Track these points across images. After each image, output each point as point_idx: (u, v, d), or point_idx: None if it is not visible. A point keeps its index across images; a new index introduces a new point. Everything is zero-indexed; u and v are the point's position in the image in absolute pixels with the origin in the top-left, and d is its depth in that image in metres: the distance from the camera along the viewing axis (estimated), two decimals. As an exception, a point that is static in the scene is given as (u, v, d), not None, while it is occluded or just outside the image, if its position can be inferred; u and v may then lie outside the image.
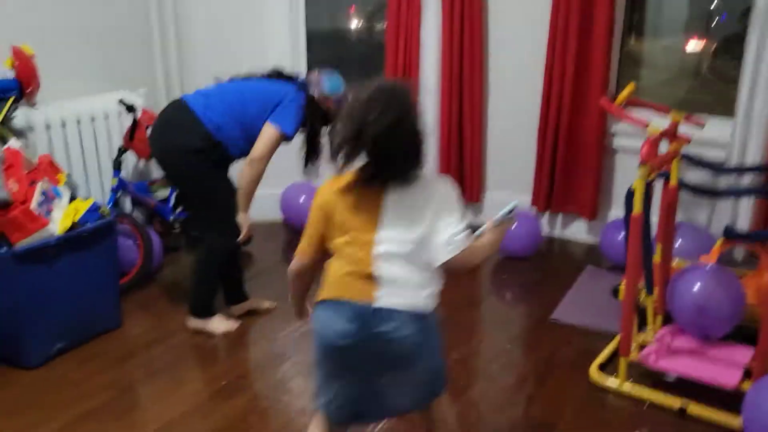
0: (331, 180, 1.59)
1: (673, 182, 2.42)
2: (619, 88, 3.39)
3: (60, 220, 2.50)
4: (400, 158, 1.50)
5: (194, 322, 2.74)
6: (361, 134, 1.46)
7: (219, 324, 2.73)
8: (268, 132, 2.50)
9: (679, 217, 2.88)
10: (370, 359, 1.52)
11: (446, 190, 1.58)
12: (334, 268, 1.55)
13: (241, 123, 2.52)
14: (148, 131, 3.13)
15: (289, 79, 2.64)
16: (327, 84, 2.57)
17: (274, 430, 2.14)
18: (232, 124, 2.51)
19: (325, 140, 2.62)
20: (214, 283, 2.75)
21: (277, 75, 2.65)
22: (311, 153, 2.66)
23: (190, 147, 2.49)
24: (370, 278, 1.49)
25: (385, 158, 1.49)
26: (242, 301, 2.87)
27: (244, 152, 2.54)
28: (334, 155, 1.52)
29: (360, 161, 1.52)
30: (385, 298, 1.48)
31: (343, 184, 1.55)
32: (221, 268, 2.73)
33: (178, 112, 2.56)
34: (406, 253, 1.50)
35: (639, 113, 2.73)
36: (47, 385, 2.39)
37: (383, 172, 1.51)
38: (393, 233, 1.51)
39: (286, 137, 2.54)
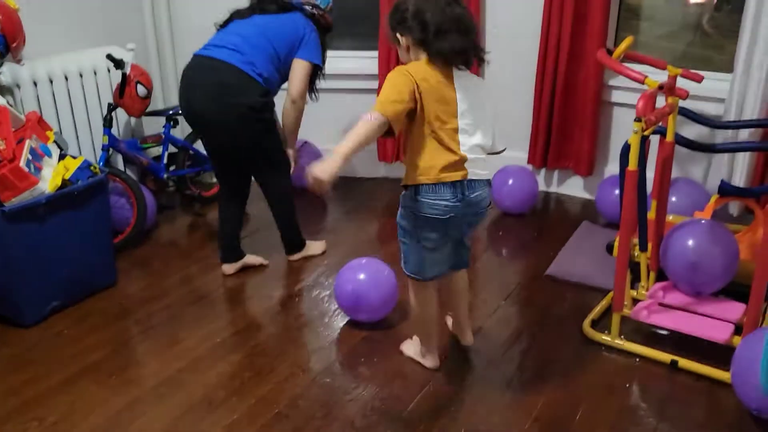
0: (408, 66, 1.86)
1: (669, 137, 2.39)
2: (618, 41, 3.33)
3: (50, 178, 2.48)
4: (469, 47, 1.87)
5: (295, 256, 2.97)
6: (443, 23, 1.81)
7: (316, 247, 3.02)
8: (302, 68, 2.66)
9: (675, 172, 2.86)
10: (465, 219, 1.95)
11: (490, 90, 2.06)
12: (431, 155, 1.86)
13: (275, 66, 2.63)
14: (140, 90, 3.09)
15: (290, 7, 2.71)
16: (321, 1, 2.75)
17: (270, 386, 2.16)
18: (271, 69, 2.62)
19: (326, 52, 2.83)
20: (297, 218, 2.92)
21: (277, 5, 2.70)
22: (318, 75, 2.81)
23: (256, 104, 2.57)
24: (461, 161, 1.87)
25: (457, 45, 1.83)
26: (237, 259, 2.88)
27: (278, 88, 2.74)
28: (420, 42, 1.85)
29: (423, 54, 1.87)
30: (472, 171, 1.89)
31: (422, 71, 1.84)
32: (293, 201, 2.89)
33: (224, 75, 2.52)
34: (481, 139, 1.92)
35: (636, 68, 2.69)
36: (44, 342, 2.41)
37: (455, 59, 1.85)
38: (470, 121, 1.89)
39: (318, 68, 2.73)
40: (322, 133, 3.67)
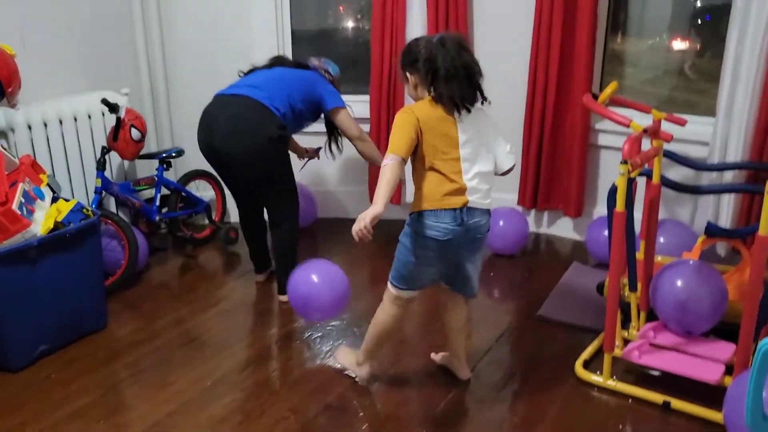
0: (412, 106, 2.03)
1: (655, 179, 2.44)
2: (603, 86, 3.42)
3: (42, 221, 2.49)
4: (473, 88, 2.02)
5: (286, 298, 2.90)
6: (451, 69, 1.97)
7: None
8: (342, 114, 2.88)
9: (662, 213, 2.91)
10: (463, 243, 2.08)
11: (490, 116, 2.12)
12: (433, 184, 2.02)
13: (291, 108, 2.79)
14: (134, 134, 3.13)
15: (305, 66, 2.97)
16: (331, 67, 3.02)
17: (260, 430, 2.14)
18: (287, 108, 2.77)
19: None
20: (297, 260, 2.90)
21: (296, 63, 2.98)
22: (332, 134, 3.10)
23: (273, 136, 2.71)
24: (461, 190, 2.00)
25: (463, 89, 1.99)
26: (267, 269, 3.19)
27: (294, 131, 2.96)
28: (426, 84, 2.02)
29: (428, 94, 2.03)
30: (472, 200, 2.02)
31: (425, 110, 2.02)
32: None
33: (245, 107, 2.71)
34: (483, 166, 2.05)
35: (622, 112, 2.75)
36: (31, 387, 2.38)
37: (460, 100, 1.99)
38: (470, 150, 2.02)
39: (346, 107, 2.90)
40: (318, 175, 3.71)
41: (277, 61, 2.96)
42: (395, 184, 1.96)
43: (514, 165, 2.14)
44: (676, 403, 2.17)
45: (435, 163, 2.00)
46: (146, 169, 3.56)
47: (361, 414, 2.21)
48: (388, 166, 1.94)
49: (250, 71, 2.92)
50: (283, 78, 2.83)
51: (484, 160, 2.06)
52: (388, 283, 2.22)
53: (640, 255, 2.50)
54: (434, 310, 2.92)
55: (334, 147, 3.15)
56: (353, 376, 2.38)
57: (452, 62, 1.97)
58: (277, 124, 2.71)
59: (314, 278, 2.61)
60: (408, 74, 2.07)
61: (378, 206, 1.90)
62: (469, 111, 2.03)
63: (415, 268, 2.13)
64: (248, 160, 2.73)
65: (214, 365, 2.50)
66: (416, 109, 2.01)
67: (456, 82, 1.98)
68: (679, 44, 3.62)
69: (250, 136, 2.68)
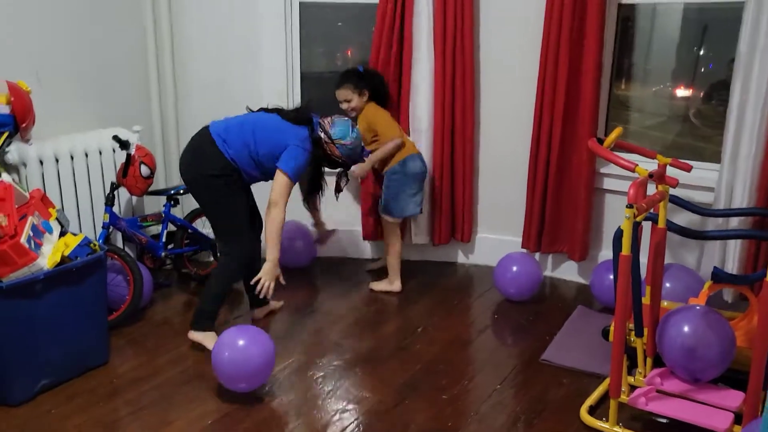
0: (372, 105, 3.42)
1: (660, 224, 2.44)
2: (608, 130, 3.45)
3: (49, 254, 2.50)
4: None
5: (193, 335, 2.87)
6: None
7: (214, 340, 2.75)
8: (280, 178, 2.79)
9: (669, 258, 2.91)
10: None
11: None
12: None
13: (253, 159, 2.81)
14: (143, 170, 3.18)
15: (307, 120, 2.88)
16: (335, 129, 2.88)
17: (261, 470, 2.10)
18: (246, 158, 2.80)
19: (325, 180, 3.03)
20: (221, 299, 2.90)
21: (296, 115, 2.89)
22: (312, 190, 3.03)
23: (212, 172, 2.78)
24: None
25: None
26: (264, 305, 3.18)
27: (259, 179, 2.90)
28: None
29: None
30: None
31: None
32: (232, 285, 2.96)
33: (203, 142, 2.83)
34: None
35: (627, 157, 2.77)
36: (31, 422, 2.35)
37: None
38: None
39: (293, 181, 2.82)
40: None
41: (277, 110, 2.92)
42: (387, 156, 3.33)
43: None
44: (684, 452, 2.13)
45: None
46: (154, 205, 3.59)
47: (363, 457, 2.18)
48: (394, 143, 3.35)
49: (251, 111, 2.97)
50: (256, 126, 2.82)
51: None
52: (391, 221, 3.39)
53: (646, 300, 2.49)
54: (437, 351, 2.90)
55: (343, 182, 3.12)
56: (396, 291, 3.44)
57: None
58: (222, 163, 2.77)
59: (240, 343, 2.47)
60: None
61: (368, 163, 3.18)
62: None
63: (410, 199, 3.42)
64: (192, 190, 2.90)
65: (215, 404, 2.48)
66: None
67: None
68: (682, 92, 3.67)
69: (192, 168, 2.84)
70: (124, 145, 3.12)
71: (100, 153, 3.24)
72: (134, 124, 3.43)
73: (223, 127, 2.83)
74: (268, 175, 2.86)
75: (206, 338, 2.83)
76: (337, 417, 2.41)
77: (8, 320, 2.37)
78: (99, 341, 2.72)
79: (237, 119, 2.87)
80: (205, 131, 2.85)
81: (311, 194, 3.08)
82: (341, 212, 3.85)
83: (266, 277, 2.77)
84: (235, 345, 2.44)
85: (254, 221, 3.01)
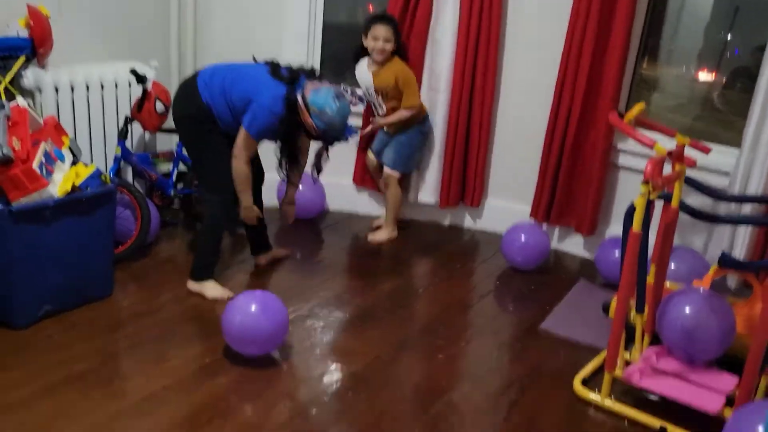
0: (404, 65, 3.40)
1: (674, 203, 2.43)
2: (629, 108, 3.39)
3: (60, 182, 2.50)
4: None
5: (191, 284, 2.87)
6: None
7: (212, 289, 2.84)
8: (241, 131, 2.69)
9: (676, 240, 2.89)
10: None
11: None
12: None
13: (229, 107, 2.71)
14: (158, 107, 3.16)
15: (291, 78, 2.66)
16: (314, 96, 2.60)
17: (255, 412, 2.14)
18: (222, 105, 2.70)
19: (300, 147, 2.88)
20: (215, 248, 2.88)
21: (287, 73, 2.68)
22: (283, 157, 2.87)
23: (190, 114, 2.75)
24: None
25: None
26: (266, 251, 3.17)
27: (234, 128, 2.72)
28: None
29: None
30: None
31: None
32: (221, 233, 2.90)
33: (188, 83, 2.79)
34: None
35: (646, 134, 2.74)
36: (32, 346, 2.39)
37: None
38: None
39: (254, 139, 2.71)
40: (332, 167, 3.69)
41: (272, 63, 2.74)
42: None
43: None
44: (673, 430, 2.15)
45: None
46: (166, 143, 3.57)
47: (356, 408, 2.21)
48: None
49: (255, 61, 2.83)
50: (242, 76, 2.69)
51: None
52: (400, 173, 3.53)
53: (650, 279, 2.48)
54: (437, 313, 2.92)
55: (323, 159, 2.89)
56: (394, 236, 3.55)
57: None
58: (198, 106, 2.69)
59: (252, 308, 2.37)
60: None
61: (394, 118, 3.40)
62: None
63: (416, 156, 3.60)
64: (176, 129, 2.92)
65: (213, 344, 2.50)
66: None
67: None
68: (707, 75, 3.61)
69: (175, 107, 2.84)
70: (140, 79, 3.09)
71: (116, 86, 3.21)
72: (152, 59, 3.39)
73: (211, 71, 2.75)
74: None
75: (204, 287, 2.84)
76: (333, 367, 2.44)
77: (16, 244, 2.39)
78: (104, 273, 2.75)
79: (228, 65, 2.77)
80: (195, 73, 2.81)
81: (288, 164, 2.88)
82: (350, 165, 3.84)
83: (244, 213, 2.87)
84: (248, 310, 2.34)
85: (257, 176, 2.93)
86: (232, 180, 2.75)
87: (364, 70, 3.39)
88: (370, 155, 3.66)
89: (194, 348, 2.47)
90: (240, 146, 2.69)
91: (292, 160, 2.88)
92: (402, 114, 3.37)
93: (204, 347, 2.48)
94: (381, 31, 3.25)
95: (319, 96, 2.59)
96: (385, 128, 3.51)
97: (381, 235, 3.60)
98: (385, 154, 3.53)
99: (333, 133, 2.66)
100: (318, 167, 2.87)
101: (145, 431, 2.00)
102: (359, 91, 3.54)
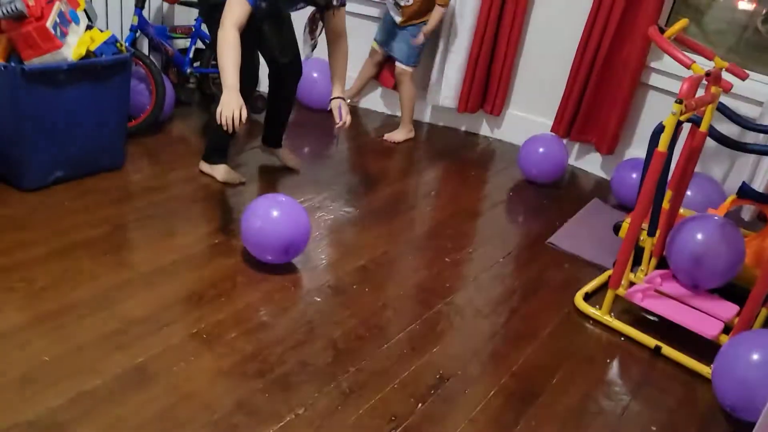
0: None
1: (703, 127, 2.35)
2: (669, 24, 3.24)
3: (74, 46, 2.43)
4: None
5: (203, 166, 2.83)
6: None
7: (223, 173, 2.80)
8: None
9: (696, 168, 2.83)
10: None
11: None
12: None
13: None
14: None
15: None
16: None
17: (259, 294, 2.17)
18: None
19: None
20: (217, 132, 2.62)
21: None
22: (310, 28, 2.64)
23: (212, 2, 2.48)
24: None
25: None
26: (275, 148, 3.02)
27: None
28: None
29: None
30: None
31: None
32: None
33: None
34: None
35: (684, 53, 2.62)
36: (43, 209, 2.40)
37: None
38: None
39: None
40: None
41: None
42: None
43: None
44: (667, 350, 2.19)
45: None
46: (184, 18, 3.45)
47: (359, 299, 2.24)
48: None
49: None
50: None
51: None
52: (413, 68, 3.39)
53: (665, 203, 2.45)
54: (446, 217, 2.91)
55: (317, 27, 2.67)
56: (412, 135, 3.54)
57: None
58: None
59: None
60: None
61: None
62: None
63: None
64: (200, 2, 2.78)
65: (221, 224, 2.52)
66: None
67: None
68: (744, 4, 3.43)
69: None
70: (161, -55, 2.94)
71: (135, -50, 3.06)
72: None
73: None
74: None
75: (216, 170, 2.81)
76: (340, 258, 2.45)
77: (29, 105, 2.35)
78: (116, 144, 2.72)
79: None
80: None
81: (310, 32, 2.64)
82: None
83: (223, 108, 2.21)
84: (269, 216, 2.23)
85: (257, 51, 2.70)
86: (251, 64, 2.57)
87: None
88: (375, 46, 3.48)
89: (203, 228, 2.48)
90: (226, 11, 2.30)
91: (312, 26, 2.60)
92: (440, 13, 3.20)
93: (212, 228, 2.49)
94: None
95: None
96: (398, 18, 3.32)
97: (398, 135, 3.53)
98: (396, 48, 3.39)
99: None
100: (312, 35, 2.63)
101: (151, 302, 2.04)
102: None
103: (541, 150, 3.25)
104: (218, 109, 2.22)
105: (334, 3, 2.52)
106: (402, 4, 3.26)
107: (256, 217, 2.24)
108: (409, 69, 3.42)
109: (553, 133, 3.50)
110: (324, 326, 2.08)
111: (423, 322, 2.18)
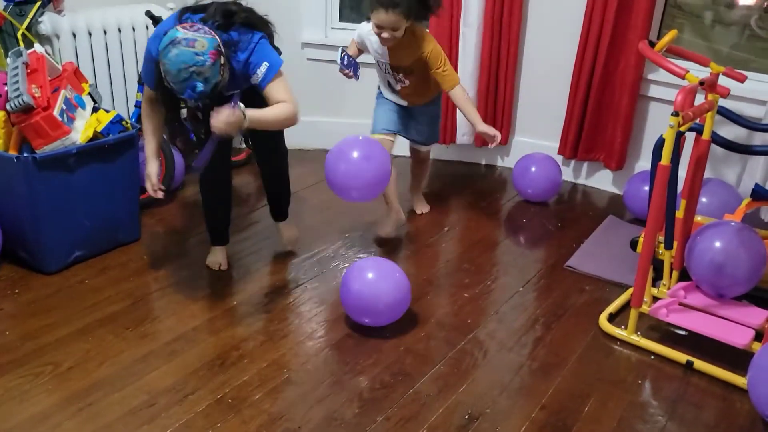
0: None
1: (705, 135, 2.34)
2: (661, 35, 3.26)
3: (82, 129, 2.51)
4: None
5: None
6: None
7: (208, 256, 2.67)
8: None
9: (707, 173, 2.81)
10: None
11: None
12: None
13: None
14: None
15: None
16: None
17: (282, 351, 2.18)
18: None
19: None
20: (206, 215, 2.65)
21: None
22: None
23: None
24: None
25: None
26: (276, 221, 2.83)
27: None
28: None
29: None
30: None
31: None
32: (207, 203, 2.63)
33: None
34: None
35: (679, 63, 2.63)
36: (65, 290, 2.46)
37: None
38: None
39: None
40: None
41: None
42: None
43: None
44: (700, 364, 2.14)
45: None
46: (186, 87, 3.55)
47: (380, 346, 2.23)
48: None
49: None
50: None
51: None
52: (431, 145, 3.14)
53: (679, 213, 2.43)
54: (464, 255, 2.91)
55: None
56: (403, 219, 3.00)
57: None
58: None
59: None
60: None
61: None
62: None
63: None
64: None
65: (240, 286, 2.55)
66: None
67: None
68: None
69: None
70: (157, 21, 3.04)
71: (134, 29, 3.17)
72: (168, 1, 3.33)
73: None
74: None
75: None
76: (358, 306, 2.46)
77: (43, 191, 2.42)
78: (130, 218, 2.78)
79: None
80: None
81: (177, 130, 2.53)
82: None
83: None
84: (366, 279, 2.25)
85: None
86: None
87: (376, 41, 2.67)
88: (384, 137, 2.86)
89: (222, 291, 2.51)
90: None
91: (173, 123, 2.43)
92: (468, 101, 2.80)
93: (232, 290, 2.52)
94: (383, 18, 2.49)
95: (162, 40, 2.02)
96: (404, 102, 2.90)
97: (388, 228, 2.95)
98: (417, 131, 2.97)
99: (171, 86, 2.04)
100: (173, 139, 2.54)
101: (176, 370, 2.06)
102: (350, 52, 2.77)
103: (533, 169, 3.27)
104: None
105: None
106: (398, 88, 2.85)
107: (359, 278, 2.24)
108: (430, 148, 3.14)
109: (562, 156, 3.51)
110: (348, 377, 2.07)
111: (447, 362, 2.16)
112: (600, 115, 3.36)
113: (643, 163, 3.40)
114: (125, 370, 2.05)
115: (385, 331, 2.30)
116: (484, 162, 3.85)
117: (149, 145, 2.37)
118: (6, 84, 2.36)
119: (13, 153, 2.40)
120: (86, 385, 1.98)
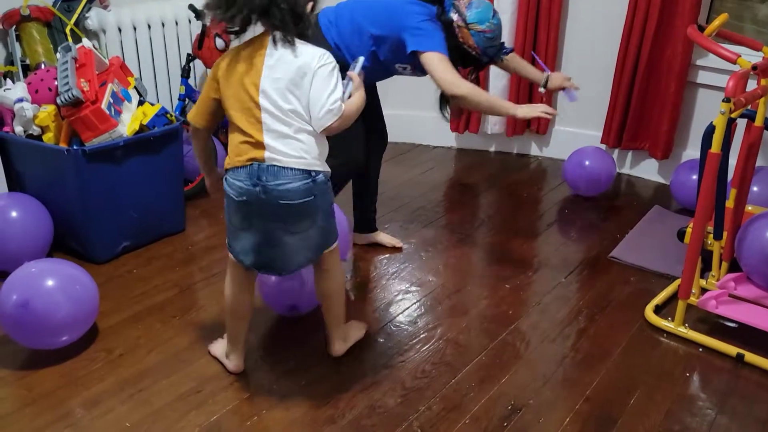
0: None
1: (758, 122, 2.27)
2: (710, 20, 3.16)
3: (128, 122, 2.56)
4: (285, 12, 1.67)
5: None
6: None
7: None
8: (428, 60, 2.25)
9: (760, 161, 2.72)
10: (265, 211, 1.77)
11: (322, 61, 1.73)
12: (232, 138, 1.78)
13: (365, 46, 2.31)
14: (218, 43, 3.14)
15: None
16: (471, 12, 2.28)
17: (324, 340, 2.20)
18: (356, 44, 2.31)
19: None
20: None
21: None
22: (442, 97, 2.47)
23: None
24: (260, 143, 1.72)
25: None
26: (369, 233, 2.79)
27: (377, 75, 2.41)
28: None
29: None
30: (272, 157, 1.72)
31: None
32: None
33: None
34: (286, 120, 1.72)
35: (729, 48, 2.55)
36: (115, 279, 2.52)
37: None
38: (270, 102, 1.71)
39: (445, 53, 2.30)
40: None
41: None
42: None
43: (331, 124, 1.73)
44: (751, 357, 2.09)
45: (230, 113, 1.76)
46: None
47: (421, 337, 2.24)
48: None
49: None
50: (376, 7, 2.32)
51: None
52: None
53: (729, 203, 2.36)
54: (504, 245, 2.89)
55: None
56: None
57: None
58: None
59: None
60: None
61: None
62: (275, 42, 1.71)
63: (230, 231, 1.89)
64: None
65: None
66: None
67: None
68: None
69: None
70: (199, 15, 3.09)
71: (176, 23, 3.23)
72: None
73: (334, 9, 2.38)
74: (389, 70, 2.40)
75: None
76: (399, 297, 2.46)
77: (92, 183, 2.49)
78: (175, 209, 2.84)
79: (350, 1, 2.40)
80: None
81: (442, 103, 2.51)
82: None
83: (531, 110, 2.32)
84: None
85: (375, 128, 2.58)
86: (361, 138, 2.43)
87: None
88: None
89: (266, 280, 2.54)
90: (442, 70, 2.22)
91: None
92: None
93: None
94: None
95: (478, 11, 2.28)
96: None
97: (215, 348, 2.14)
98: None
99: (493, 51, 2.36)
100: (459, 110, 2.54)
101: (222, 358, 2.10)
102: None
103: (586, 163, 3.19)
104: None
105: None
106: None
107: None
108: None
109: (603, 146, 3.44)
110: (390, 366, 2.08)
111: (489, 353, 2.15)
112: (645, 103, 3.29)
113: (690, 152, 3.31)
114: (173, 357, 2.10)
115: (428, 321, 2.30)
116: (515, 151, 3.80)
117: (199, 161, 2.10)
118: (56, 78, 2.42)
119: (63, 146, 2.46)
120: (137, 371, 2.03)
